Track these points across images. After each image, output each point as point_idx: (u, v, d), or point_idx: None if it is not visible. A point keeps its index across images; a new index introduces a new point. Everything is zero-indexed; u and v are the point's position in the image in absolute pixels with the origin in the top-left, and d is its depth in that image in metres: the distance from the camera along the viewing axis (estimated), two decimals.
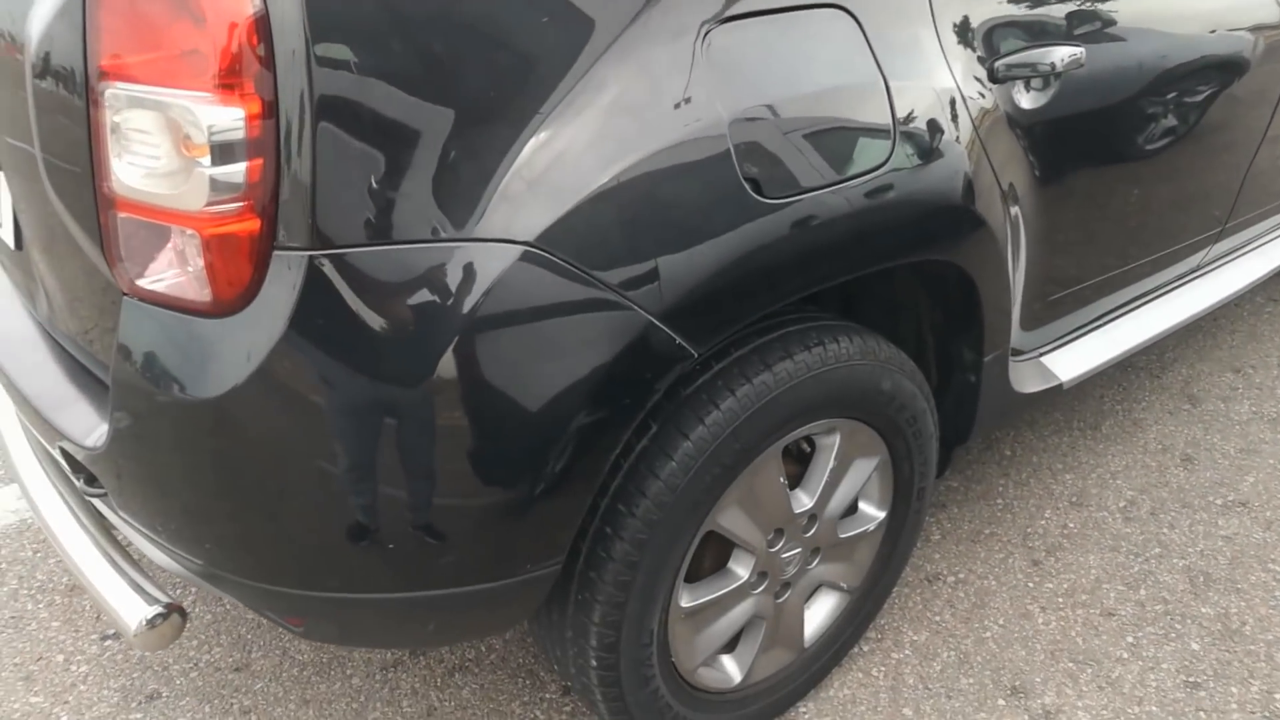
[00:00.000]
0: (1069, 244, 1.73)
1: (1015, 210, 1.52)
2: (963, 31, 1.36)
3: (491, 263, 0.99)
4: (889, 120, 1.24)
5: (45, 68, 0.99)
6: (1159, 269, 2.10)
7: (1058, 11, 1.49)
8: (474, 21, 0.97)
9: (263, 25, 0.89)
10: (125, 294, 1.02)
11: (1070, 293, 1.84)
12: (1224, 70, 1.87)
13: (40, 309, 1.29)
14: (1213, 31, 1.82)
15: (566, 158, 1.01)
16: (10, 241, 1.28)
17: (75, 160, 1.00)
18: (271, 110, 0.91)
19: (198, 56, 0.89)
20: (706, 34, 1.09)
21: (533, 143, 1.00)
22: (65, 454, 1.23)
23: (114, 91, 0.93)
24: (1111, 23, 1.58)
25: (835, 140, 1.19)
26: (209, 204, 0.93)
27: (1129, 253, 1.93)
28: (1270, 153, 2.19)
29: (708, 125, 1.08)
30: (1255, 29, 1.92)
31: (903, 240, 1.30)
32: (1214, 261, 2.34)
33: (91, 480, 1.22)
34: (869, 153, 1.22)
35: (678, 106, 1.07)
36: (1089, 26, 1.54)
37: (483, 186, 0.99)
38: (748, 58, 1.13)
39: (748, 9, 1.13)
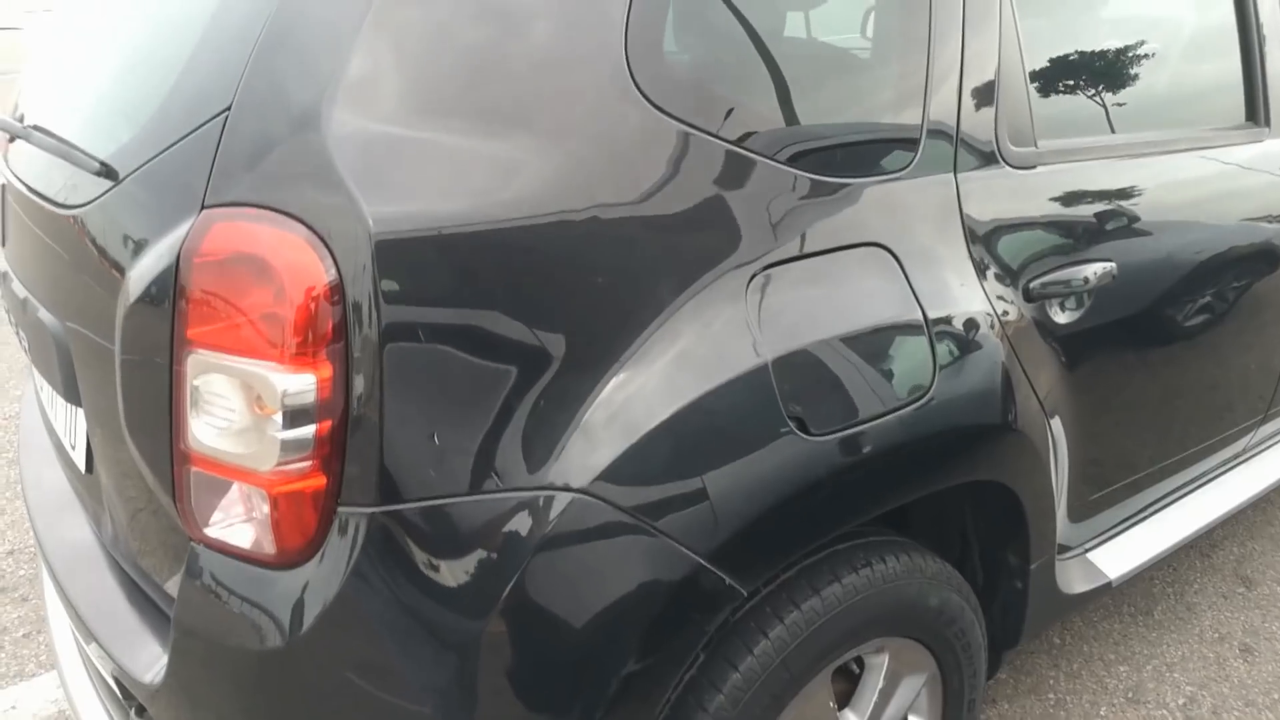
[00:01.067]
0: (1111, 446, 1.73)
1: (1056, 421, 1.53)
2: (996, 255, 1.41)
3: (548, 511, 1.02)
4: (928, 351, 1.27)
5: (135, 322, 1.05)
6: (1204, 457, 2.08)
7: (1087, 224, 1.54)
8: (545, 282, 1.02)
9: (337, 292, 0.95)
10: (192, 540, 1.05)
11: (1115, 489, 1.84)
12: (1258, 258, 1.91)
13: (105, 532, 1.33)
14: (1244, 220, 1.87)
15: (621, 410, 1.05)
16: (81, 465, 1.34)
17: (154, 411, 1.05)
18: (343, 374, 0.96)
19: (275, 326, 0.95)
20: (752, 280, 1.15)
21: (594, 397, 1.04)
22: (118, 681, 1.24)
23: (196, 357, 0.98)
24: (1141, 224, 1.63)
25: (876, 374, 1.22)
26: (279, 464, 0.97)
27: (1172, 446, 1.93)
28: None
29: (753, 368, 1.12)
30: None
31: (947, 466, 1.32)
32: (1260, 444, 2.33)
33: (141, 710, 1.23)
34: (910, 384, 1.25)
35: (726, 353, 1.11)
36: (1119, 232, 1.59)
37: (542, 439, 1.03)
38: (790, 300, 1.18)
39: (790, 254, 1.18)
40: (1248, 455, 2.29)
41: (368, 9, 0.98)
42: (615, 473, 1.04)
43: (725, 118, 1.14)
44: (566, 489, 1.03)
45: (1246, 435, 2.20)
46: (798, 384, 1.15)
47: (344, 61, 0.97)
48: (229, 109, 0.99)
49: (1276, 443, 2.37)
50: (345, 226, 0.95)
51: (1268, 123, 1.89)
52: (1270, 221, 1.93)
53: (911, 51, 1.33)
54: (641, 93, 1.08)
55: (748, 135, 1.16)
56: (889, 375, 1.24)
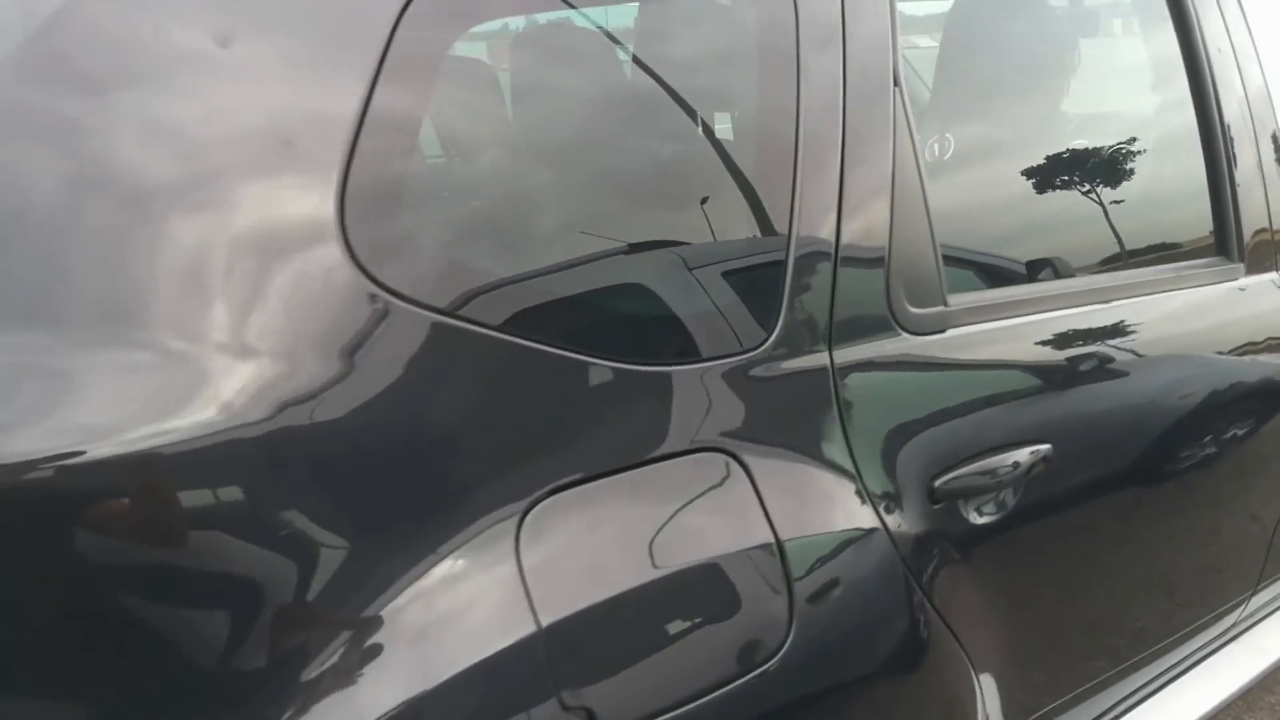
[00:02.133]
0: (1060, 664, 1.40)
1: (980, 654, 1.20)
2: (887, 449, 1.09)
3: None
4: (783, 590, 0.95)
5: None
6: (1181, 644, 1.74)
7: (1016, 395, 1.22)
8: (213, 545, 0.72)
9: None
10: None
11: (1066, 699, 1.49)
12: (1237, 411, 1.60)
13: None
14: (1216, 372, 1.56)
15: None
16: None
17: None
18: None
19: None
20: (529, 513, 0.84)
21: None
22: None
23: None
24: (1084, 390, 1.30)
25: (703, 640, 0.90)
26: None
27: (1145, 639, 1.59)
28: None
29: (519, 644, 0.81)
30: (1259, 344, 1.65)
31: None
32: (1252, 615, 1.98)
33: None
34: (752, 642, 0.93)
35: (484, 626, 0.80)
36: (1055, 404, 1.27)
37: None
38: (583, 538, 0.87)
39: (585, 473, 0.88)
40: (1238, 628, 1.94)
41: None
42: None
43: (489, 300, 0.84)
44: None
45: (1235, 611, 1.86)
46: (583, 661, 0.83)
47: None
48: None
49: (1272, 614, 2.03)
50: None
51: (1241, 257, 1.58)
52: (1250, 366, 1.62)
53: (772, 185, 1.04)
54: (367, 275, 0.78)
55: (521, 318, 0.86)
56: (720, 630, 0.92)
